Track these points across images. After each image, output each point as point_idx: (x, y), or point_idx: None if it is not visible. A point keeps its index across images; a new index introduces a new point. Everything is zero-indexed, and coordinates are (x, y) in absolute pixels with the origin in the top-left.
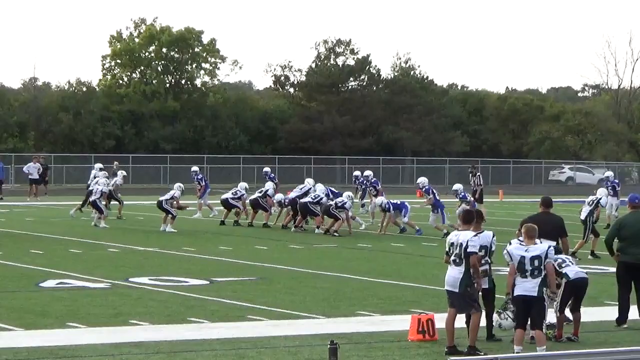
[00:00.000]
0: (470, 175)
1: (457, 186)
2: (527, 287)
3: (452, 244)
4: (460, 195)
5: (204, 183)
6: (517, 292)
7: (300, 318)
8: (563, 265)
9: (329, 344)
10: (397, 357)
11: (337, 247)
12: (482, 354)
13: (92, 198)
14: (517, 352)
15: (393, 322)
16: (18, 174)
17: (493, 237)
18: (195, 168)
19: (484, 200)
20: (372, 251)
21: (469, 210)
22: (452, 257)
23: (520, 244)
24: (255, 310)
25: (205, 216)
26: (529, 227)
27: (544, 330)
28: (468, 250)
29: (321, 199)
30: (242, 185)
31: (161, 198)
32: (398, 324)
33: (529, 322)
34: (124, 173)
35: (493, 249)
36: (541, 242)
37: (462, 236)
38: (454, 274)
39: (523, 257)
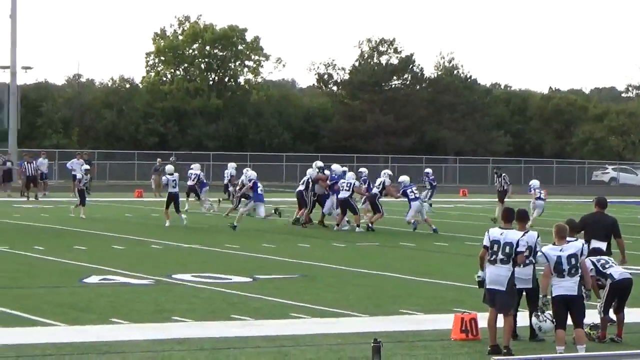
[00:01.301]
0: (496, 176)
1: (534, 182)
2: (566, 286)
3: (497, 241)
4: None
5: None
6: (556, 292)
7: (343, 316)
8: (607, 266)
9: (373, 342)
10: (439, 356)
11: (380, 246)
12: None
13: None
14: (559, 352)
15: (436, 321)
16: (61, 170)
17: (538, 237)
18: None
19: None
20: (415, 250)
21: (509, 208)
22: (500, 256)
23: (554, 244)
24: (298, 308)
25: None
26: (559, 227)
27: (587, 330)
28: (518, 249)
29: (353, 184)
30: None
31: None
32: (441, 323)
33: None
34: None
35: (538, 249)
36: (576, 240)
37: (510, 235)
38: (500, 272)
39: (559, 257)
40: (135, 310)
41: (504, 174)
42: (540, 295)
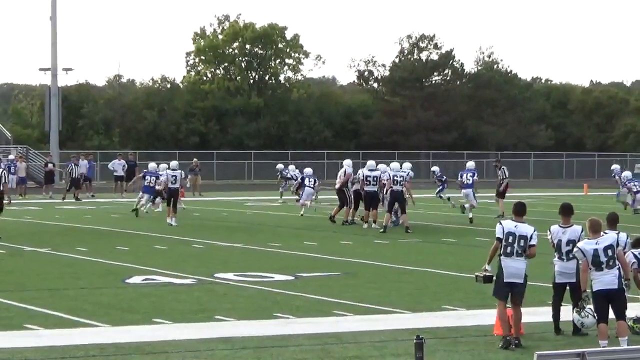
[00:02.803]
0: (496, 169)
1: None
2: (606, 281)
3: (512, 233)
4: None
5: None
6: (597, 287)
7: (385, 313)
8: None
9: (415, 338)
10: (482, 351)
11: (422, 242)
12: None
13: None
14: (603, 347)
15: (478, 316)
16: (103, 171)
17: (582, 231)
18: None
19: (505, 195)
20: (457, 245)
21: (521, 202)
22: (516, 249)
23: (589, 239)
24: (341, 306)
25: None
26: (593, 222)
27: (630, 323)
28: (531, 242)
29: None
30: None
31: None
32: (483, 318)
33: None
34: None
35: None
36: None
37: (524, 228)
38: (517, 265)
39: (596, 250)
40: (177, 310)
41: (503, 167)
42: (582, 290)
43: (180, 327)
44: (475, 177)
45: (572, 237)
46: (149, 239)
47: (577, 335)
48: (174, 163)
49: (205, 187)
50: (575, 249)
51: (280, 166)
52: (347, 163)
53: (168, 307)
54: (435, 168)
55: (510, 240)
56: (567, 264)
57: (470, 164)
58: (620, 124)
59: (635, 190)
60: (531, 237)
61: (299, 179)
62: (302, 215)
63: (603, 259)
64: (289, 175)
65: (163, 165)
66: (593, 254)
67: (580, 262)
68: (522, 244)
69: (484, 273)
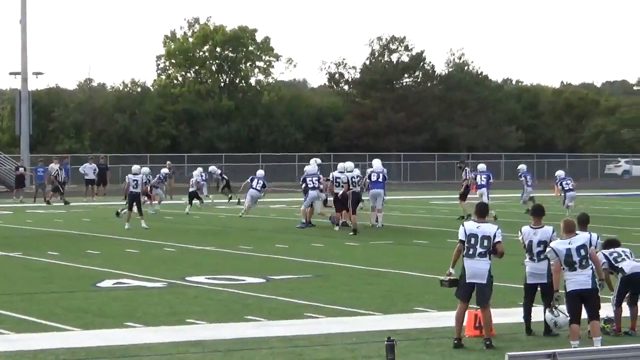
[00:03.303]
0: (460, 170)
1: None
2: (580, 280)
3: (474, 234)
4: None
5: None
6: (570, 288)
7: (357, 315)
8: (619, 259)
9: (386, 340)
10: (454, 352)
11: (393, 244)
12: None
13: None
14: (574, 347)
15: (450, 317)
16: (74, 175)
17: (553, 232)
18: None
19: (467, 197)
20: (429, 247)
21: (483, 203)
22: (479, 249)
23: (562, 239)
24: (312, 308)
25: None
26: (567, 222)
27: (601, 324)
28: (496, 240)
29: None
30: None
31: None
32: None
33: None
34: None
35: None
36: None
37: (487, 228)
38: (479, 265)
39: (569, 250)
40: (149, 313)
41: (466, 168)
42: (554, 290)
43: (151, 331)
44: (491, 180)
45: (543, 238)
46: (120, 242)
47: (548, 336)
48: (135, 167)
49: (176, 191)
50: (547, 249)
51: (212, 168)
52: (314, 161)
53: (139, 311)
54: (522, 166)
55: (472, 241)
56: (538, 264)
57: (482, 166)
58: (591, 125)
59: (567, 188)
60: (495, 236)
61: (247, 180)
62: (241, 216)
63: (576, 258)
64: (215, 177)
65: (144, 169)
66: (566, 253)
67: (552, 262)
68: (485, 244)
69: (449, 277)
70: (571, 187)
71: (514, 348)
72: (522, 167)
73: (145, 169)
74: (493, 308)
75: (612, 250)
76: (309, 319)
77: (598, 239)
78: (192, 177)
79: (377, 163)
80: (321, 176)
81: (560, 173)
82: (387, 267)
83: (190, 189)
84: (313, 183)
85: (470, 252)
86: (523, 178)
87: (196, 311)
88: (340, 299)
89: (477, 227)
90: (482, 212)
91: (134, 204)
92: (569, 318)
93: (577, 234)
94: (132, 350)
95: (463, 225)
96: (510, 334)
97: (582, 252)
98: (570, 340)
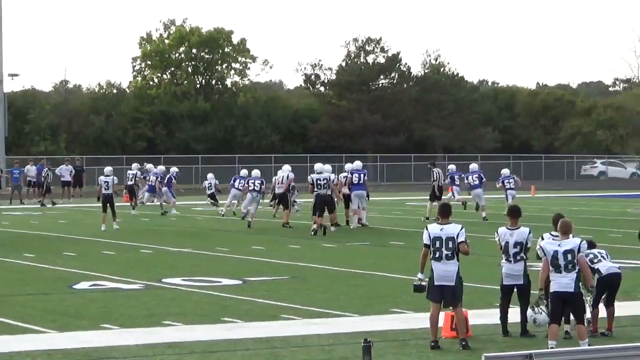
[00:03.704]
0: (430, 171)
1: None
2: (563, 283)
3: (438, 237)
4: None
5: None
6: (553, 289)
7: (334, 316)
8: (595, 260)
9: (363, 342)
10: (430, 354)
11: (370, 245)
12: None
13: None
14: (551, 347)
15: (427, 319)
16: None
17: (529, 233)
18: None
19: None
20: (405, 248)
21: (446, 204)
22: (445, 252)
23: (554, 238)
24: (289, 310)
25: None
26: (563, 222)
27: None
28: (459, 240)
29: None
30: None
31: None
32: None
33: (565, 318)
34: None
35: (529, 245)
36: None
37: (450, 229)
38: (447, 268)
39: (556, 252)
40: (126, 315)
41: (436, 169)
42: (539, 288)
43: (128, 333)
44: (484, 179)
45: (520, 240)
46: (97, 244)
47: (524, 337)
48: (108, 169)
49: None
50: (537, 246)
51: (149, 166)
52: (287, 168)
53: (116, 313)
54: (451, 167)
55: (437, 244)
56: (514, 266)
57: (474, 165)
58: (567, 126)
59: (507, 187)
60: (458, 235)
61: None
62: (222, 215)
63: (561, 262)
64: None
65: (160, 167)
66: (553, 255)
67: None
68: (450, 245)
69: (419, 282)
70: (512, 187)
71: (491, 349)
72: (452, 167)
73: (161, 167)
74: (470, 309)
75: (588, 251)
76: (285, 320)
77: (581, 242)
78: (207, 181)
79: (357, 164)
80: (263, 180)
81: (505, 172)
82: (363, 269)
83: (209, 192)
84: (255, 186)
85: (437, 255)
86: (455, 177)
87: (172, 313)
88: (317, 301)
89: (441, 230)
90: (445, 212)
91: (108, 205)
92: (548, 318)
93: (569, 238)
94: (109, 352)
95: (427, 229)
96: (487, 335)
97: (569, 256)
98: (548, 339)
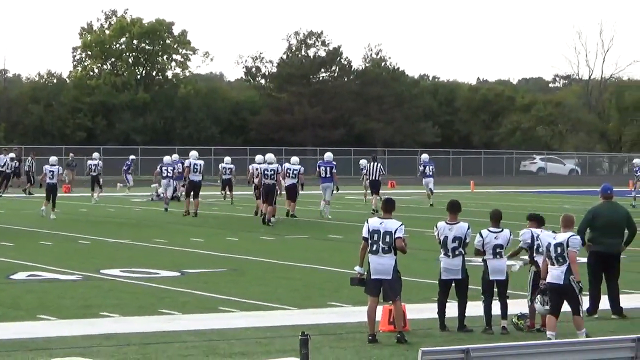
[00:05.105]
0: (370, 164)
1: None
2: (554, 275)
3: (377, 231)
4: None
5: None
6: (547, 280)
7: (271, 309)
8: (536, 254)
9: (300, 335)
10: (368, 347)
11: (309, 239)
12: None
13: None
14: (549, 337)
15: (364, 313)
16: None
17: (468, 229)
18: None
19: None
20: (343, 242)
21: (390, 199)
22: (382, 245)
23: (553, 232)
24: (227, 302)
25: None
26: (566, 217)
27: (514, 320)
28: (396, 235)
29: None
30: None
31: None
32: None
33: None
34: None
35: (467, 240)
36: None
37: (390, 224)
38: (383, 261)
39: (549, 244)
40: (63, 306)
41: (378, 164)
42: (541, 278)
43: (65, 324)
44: (433, 168)
45: (458, 234)
46: (35, 235)
47: (462, 332)
48: (53, 159)
49: (77, 183)
50: (536, 240)
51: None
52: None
53: (53, 304)
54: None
55: (375, 238)
56: (452, 260)
57: (425, 156)
58: (507, 122)
59: (428, 174)
60: (396, 231)
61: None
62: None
63: (552, 254)
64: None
65: (175, 156)
66: (546, 247)
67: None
68: (387, 239)
69: (357, 275)
70: (429, 174)
71: (428, 343)
72: (363, 161)
73: (176, 156)
74: (408, 304)
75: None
76: (223, 313)
77: (570, 237)
78: (224, 165)
79: (327, 156)
80: (176, 166)
81: (425, 156)
82: (302, 262)
83: (224, 177)
84: (167, 172)
85: (374, 248)
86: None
87: (110, 304)
88: (255, 293)
89: (381, 224)
90: (388, 207)
91: (51, 194)
92: (545, 308)
93: (567, 232)
94: (45, 343)
95: (367, 222)
96: (425, 329)
97: (559, 249)
98: (547, 331)
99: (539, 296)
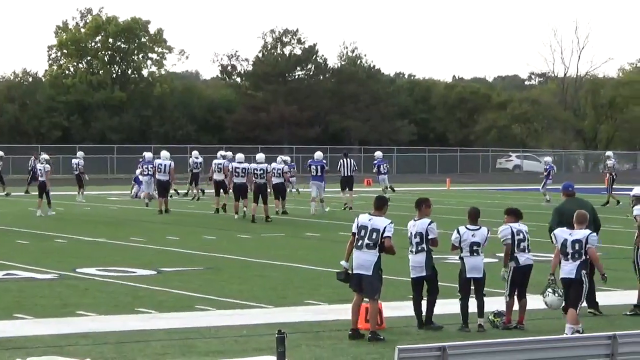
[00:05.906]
0: (343, 161)
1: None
2: (566, 270)
3: (364, 227)
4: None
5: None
6: (560, 275)
7: (248, 307)
8: (520, 246)
9: (277, 333)
10: (345, 346)
11: (285, 237)
12: (382, 338)
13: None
14: (577, 331)
15: (341, 311)
16: None
17: (429, 224)
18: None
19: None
20: (321, 240)
21: (382, 196)
22: (366, 241)
23: (567, 228)
24: (203, 300)
25: None
26: (579, 213)
27: (490, 317)
28: (385, 234)
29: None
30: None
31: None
32: (346, 313)
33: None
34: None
35: (430, 236)
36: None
37: (378, 222)
38: (366, 257)
39: (566, 240)
40: (39, 305)
41: (351, 160)
42: (550, 273)
43: (41, 322)
44: (387, 166)
45: (420, 230)
46: (11, 233)
47: (429, 328)
48: (44, 157)
49: (68, 182)
50: (551, 233)
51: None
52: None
53: (29, 302)
54: (547, 158)
55: (362, 233)
56: (415, 257)
57: (379, 153)
58: (482, 120)
59: (383, 172)
60: (385, 230)
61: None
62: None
63: (569, 250)
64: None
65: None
66: (562, 243)
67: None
68: (373, 237)
69: (343, 270)
70: (383, 172)
71: (405, 341)
72: (378, 154)
73: (150, 154)
74: (384, 302)
75: (520, 237)
76: (199, 311)
77: (590, 234)
78: (194, 160)
79: (318, 155)
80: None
81: (378, 154)
82: (279, 260)
83: (194, 171)
84: (148, 170)
85: (359, 243)
86: (376, 168)
87: (86, 303)
88: (232, 292)
89: (369, 220)
90: (378, 205)
91: (43, 192)
92: (559, 301)
93: (583, 229)
94: (21, 342)
95: (357, 218)
96: (401, 327)
97: (577, 246)
98: (567, 324)
99: (548, 289)
